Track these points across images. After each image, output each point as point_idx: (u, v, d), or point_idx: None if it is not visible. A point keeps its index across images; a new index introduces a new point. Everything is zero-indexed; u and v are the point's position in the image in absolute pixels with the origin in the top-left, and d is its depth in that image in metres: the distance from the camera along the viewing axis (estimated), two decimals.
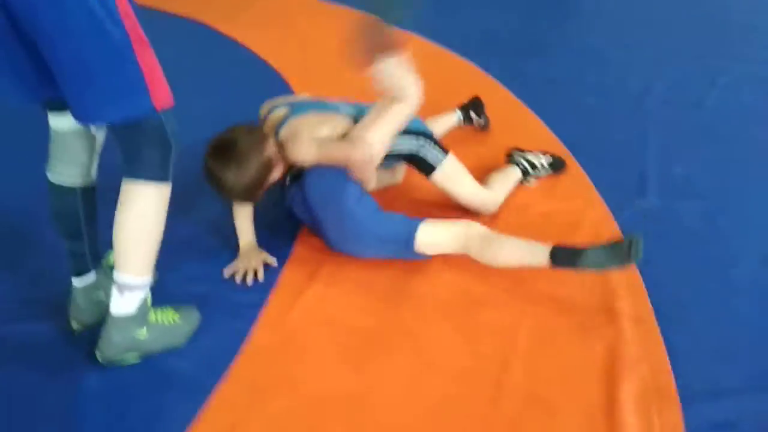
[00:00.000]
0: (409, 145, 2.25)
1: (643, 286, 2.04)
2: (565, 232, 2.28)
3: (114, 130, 1.59)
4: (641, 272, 2.09)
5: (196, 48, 4.02)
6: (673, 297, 2.00)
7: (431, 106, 2.96)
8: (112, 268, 1.79)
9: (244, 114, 2.48)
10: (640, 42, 4.09)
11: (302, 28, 4.35)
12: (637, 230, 2.25)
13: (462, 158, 2.39)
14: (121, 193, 1.61)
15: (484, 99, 3.02)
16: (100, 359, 1.71)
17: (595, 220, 2.36)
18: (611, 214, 2.39)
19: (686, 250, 2.23)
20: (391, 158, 2.26)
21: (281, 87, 3.44)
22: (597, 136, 2.97)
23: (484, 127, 2.96)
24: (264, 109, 2.37)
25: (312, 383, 1.73)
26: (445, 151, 2.31)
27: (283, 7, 4.80)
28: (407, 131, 2.24)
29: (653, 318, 1.92)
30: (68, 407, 1.66)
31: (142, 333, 1.72)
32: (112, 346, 1.69)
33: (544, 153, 2.64)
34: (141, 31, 1.48)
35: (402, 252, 2.08)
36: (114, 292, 1.67)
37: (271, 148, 2.08)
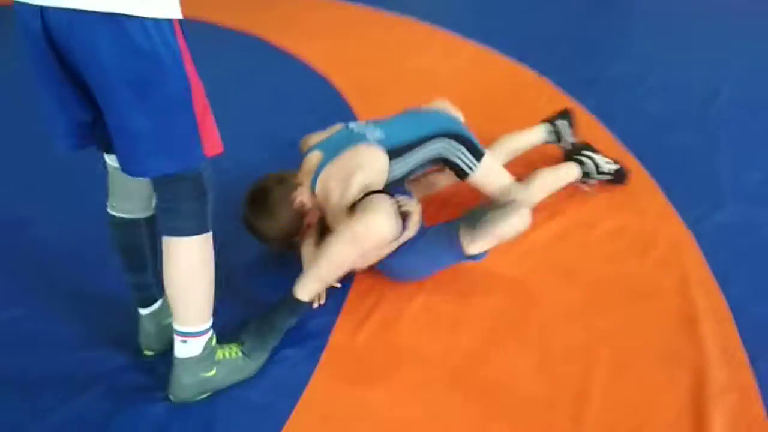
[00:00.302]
0: (438, 148, 2.22)
1: (727, 306, 1.93)
2: (639, 251, 2.18)
3: (154, 179, 1.54)
4: (723, 290, 1.99)
5: (249, 61, 4.03)
6: (758, 319, 1.89)
7: (491, 116, 2.91)
8: None
9: (299, 130, 2.45)
10: (701, 42, 3.95)
11: (356, 39, 4.31)
12: (717, 245, 2.17)
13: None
14: (163, 248, 1.57)
15: (544, 106, 2.92)
16: (172, 400, 1.70)
17: (670, 236, 2.25)
18: (687, 228, 2.29)
19: None
20: (425, 165, 2.23)
21: (335, 99, 3.41)
22: (665, 143, 2.85)
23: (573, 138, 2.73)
24: (303, 145, 2.35)
25: (382, 413, 1.69)
26: (480, 156, 2.26)
27: (337, 17, 4.78)
28: (439, 134, 2.21)
29: (739, 342, 1.81)
30: None
31: (212, 372, 1.70)
32: (183, 389, 1.68)
33: (613, 160, 2.53)
34: (196, 74, 1.42)
35: (456, 257, 2.01)
36: (176, 339, 1.65)
37: (303, 196, 2.10)
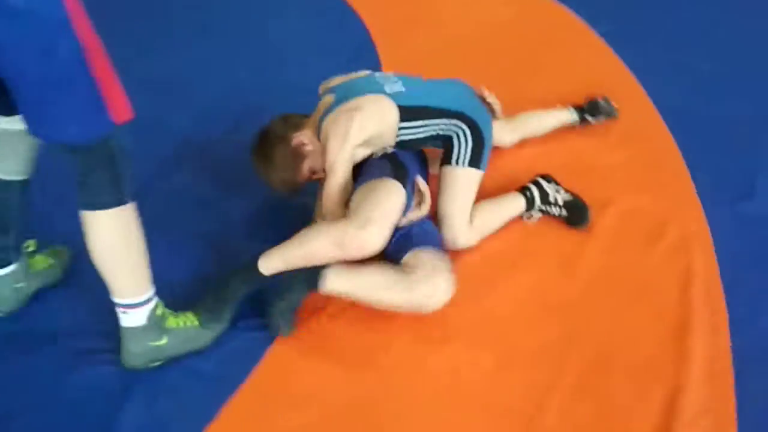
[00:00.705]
0: (455, 128, 1.99)
1: (727, 315, 1.76)
2: (645, 241, 2.00)
3: (63, 150, 1.46)
4: (727, 296, 1.81)
5: None
6: (759, 333, 1.72)
7: (522, 63, 2.74)
8: (30, 252, 1.83)
9: (319, 74, 2.30)
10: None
11: None
12: (733, 239, 1.97)
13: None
14: (82, 223, 1.50)
15: (583, 56, 2.74)
16: (124, 367, 1.68)
17: (684, 225, 2.05)
18: (705, 217, 2.08)
19: None
20: (433, 141, 2.03)
21: (363, 40, 3.19)
22: (707, 112, 2.57)
23: (611, 117, 2.49)
24: (321, 88, 2.21)
25: (333, 393, 1.64)
26: (476, 165, 2.00)
27: None
28: (462, 115, 2.00)
29: (730, 358, 1.66)
30: (85, 400, 1.63)
31: (162, 341, 1.66)
32: (133, 357, 1.65)
33: (573, 194, 2.11)
34: (93, 33, 1.32)
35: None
36: (117, 310, 1.62)
37: (303, 137, 1.98)
